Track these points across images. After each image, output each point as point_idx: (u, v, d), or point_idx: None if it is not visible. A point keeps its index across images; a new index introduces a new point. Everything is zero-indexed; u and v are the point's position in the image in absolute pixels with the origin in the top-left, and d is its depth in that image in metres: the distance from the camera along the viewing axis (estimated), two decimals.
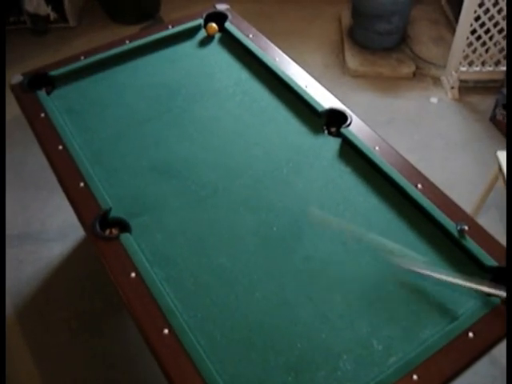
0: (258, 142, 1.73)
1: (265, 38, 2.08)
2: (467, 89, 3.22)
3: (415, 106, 3.15)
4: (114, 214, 1.51)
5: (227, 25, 2.13)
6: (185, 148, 1.72)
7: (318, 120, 1.78)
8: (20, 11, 3.59)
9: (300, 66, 1.96)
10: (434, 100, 3.18)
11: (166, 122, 1.80)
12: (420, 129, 3.00)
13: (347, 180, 1.61)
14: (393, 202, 1.54)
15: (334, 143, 1.71)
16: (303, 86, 1.86)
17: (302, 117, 1.80)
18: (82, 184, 1.57)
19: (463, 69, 3.13)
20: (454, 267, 1.38)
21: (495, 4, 2.86)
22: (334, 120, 1.76)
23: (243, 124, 1.79)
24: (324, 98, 1.81)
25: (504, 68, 3.13)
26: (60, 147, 1.68)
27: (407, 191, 1.53)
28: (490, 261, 1.36)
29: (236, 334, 1.27)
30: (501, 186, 2.17)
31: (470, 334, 1.23)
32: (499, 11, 2.88)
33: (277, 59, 1.97)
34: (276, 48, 2.04)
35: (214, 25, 2.11)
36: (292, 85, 1.86)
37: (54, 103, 1.85)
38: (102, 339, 2.16)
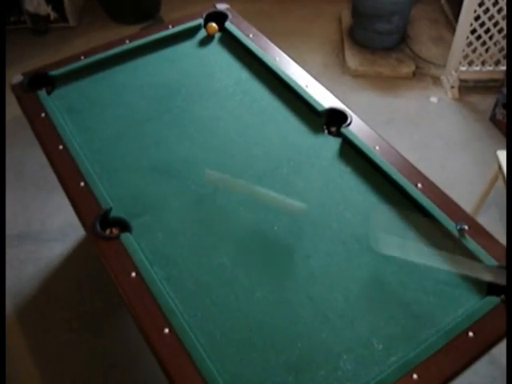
0: (258, 142, 1.73)
1: (265, 38, 2.08)
2: (467, 88, 3.22)
3: (415, 106, 3.15)
4: (114, 213, 1.51)
5: (227, 24, 2.13)
6: (185, 148, 1.72)
7: (318, 119, 1.78)
8: (20, 11, 3.59)
9: (300, 65, 1.96)
10: (433, 99, 3.19)
11: (166, 122, 1.80)
12: (420, 128, 3.01)
13: (347, 179, 1.61)
14: (393, 202, 1.54)
15: (334, 143, 1.71)
16: (303, 86, 1.86)
17: (302, 116, 1.80)
18: (82, 184, 1.57)
19: (463, 68, 3.13)
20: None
21: (495, 3, 2.86)
22: (334, 119, 1.76)
23: (243, 124, 1.80)
24: (324, 98, 1.81)
25: (504, 67, 3.13)
26: (60, 147, 1.68)
27: (407, 190, 1.53)
28: (489, 260, 1.36)
29: (236, 334, 1.27)
30: (501, 185, 2.17)
31: (470, 334, 1.23)
32: (499, 11, 2.88)
33: (277, 59, 1.97)
34: (276, 48, 2.04)
35: (214, 24, 2.11)
36: (292, 84, 1.86)
37: (55, 103, 1.85)
38: (103, 339, 2.16)
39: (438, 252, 1.41)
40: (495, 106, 2.95)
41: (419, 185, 1.54)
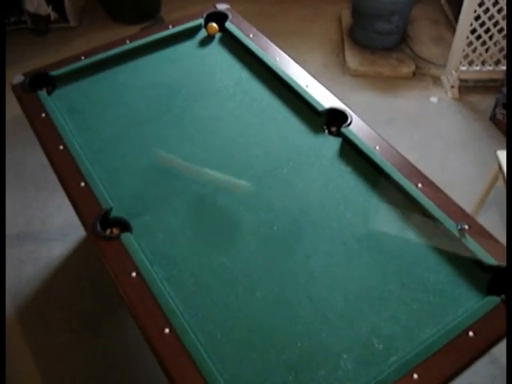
0: (259, 142, 1.73)
1: (265, 38, 2.08)
2: (467, 88, 3.22)
3: (415, 106, 3.15)
4: (114, 213, 1.51)
5: (227, 24, 2.13)
6: (185, 148, 1.72)
7: (319, 119, 1.78)
8: (21, 11, 3.59)
9: (300, 65, 1.96)
10: (433, 99, 3.19)
11: (166, 122, 1.80)
12: (420, 128, 3.01)
13: (347, 179, 1.61)
14: (393, 202, 1.54)
15: (334, 143, 1.71)
16: (303, 86, 1.86)
17: (302, 116, 1.80)
18: (82, 184, 1.57)
19: (463, 68, 3.14)
20: (454, 266, 1.39)
21: (495, 3, 2.86)
22: (335, 119, 1.76)
23: (243, 124, 1.80)
24: (324, 98, 1.82)
25: (504, 67, 3.13)
26: (61, 147, 1.68)
27: (407, 190, 1.53)
28: (490, 260, 1.36)
29: (236, 334, 1.28)
30: (501, 185, 2.17)
31: (470, 334, 1.23)
32: (499, 11, 2.88)
33: (277, 59, 1.98)
34: (276, 48, 2.04)
35: (214, 24, 2.11)
36: (292, 84, 1.87)
37: (55, 103, 1.85)
38: (103, 339, 2.16)
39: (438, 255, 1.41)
40: (495, 105, 2.95)
41: (419, 185, 1.54)
